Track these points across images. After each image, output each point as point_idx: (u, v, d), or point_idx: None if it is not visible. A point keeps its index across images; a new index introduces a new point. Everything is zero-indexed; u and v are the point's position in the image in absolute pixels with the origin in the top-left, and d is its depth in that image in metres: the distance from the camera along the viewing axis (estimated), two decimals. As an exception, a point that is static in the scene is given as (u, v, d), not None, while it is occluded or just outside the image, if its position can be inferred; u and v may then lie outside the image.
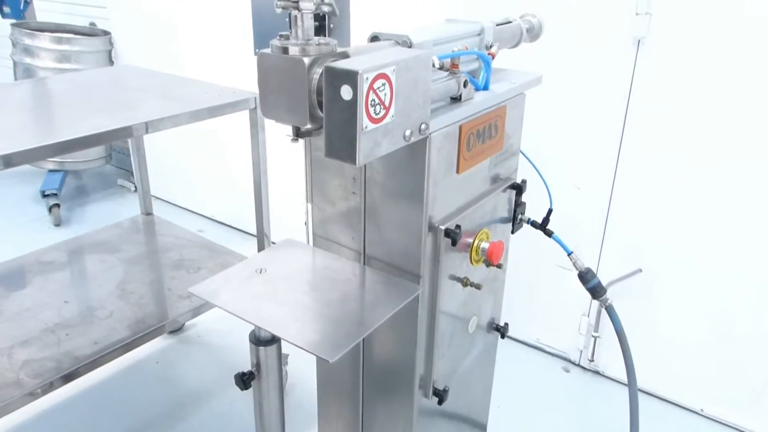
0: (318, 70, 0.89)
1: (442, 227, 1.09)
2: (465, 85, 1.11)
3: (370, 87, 0.83)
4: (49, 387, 1.58)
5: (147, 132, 1.59)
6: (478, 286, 1.22)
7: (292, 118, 0.91)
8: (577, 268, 1.38)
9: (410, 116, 0.94)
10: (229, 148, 3.17)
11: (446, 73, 1.09)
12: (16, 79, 3.48)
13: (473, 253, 1.22)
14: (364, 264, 1.19)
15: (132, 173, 3.81)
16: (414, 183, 1.05)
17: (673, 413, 2.27)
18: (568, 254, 1.38)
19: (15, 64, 3.45)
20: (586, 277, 1.36)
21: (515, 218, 1.39)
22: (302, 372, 2.31)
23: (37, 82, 2.05)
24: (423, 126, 0.97)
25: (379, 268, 1.17)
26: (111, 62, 3.58)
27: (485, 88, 1.20)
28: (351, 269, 1.17)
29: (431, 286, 1.14)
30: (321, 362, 1.40)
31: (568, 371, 2.50)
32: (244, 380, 1.18)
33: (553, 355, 2.55)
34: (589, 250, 2.28)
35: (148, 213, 2.40)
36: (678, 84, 1.95)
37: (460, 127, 1.08)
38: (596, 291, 1.36)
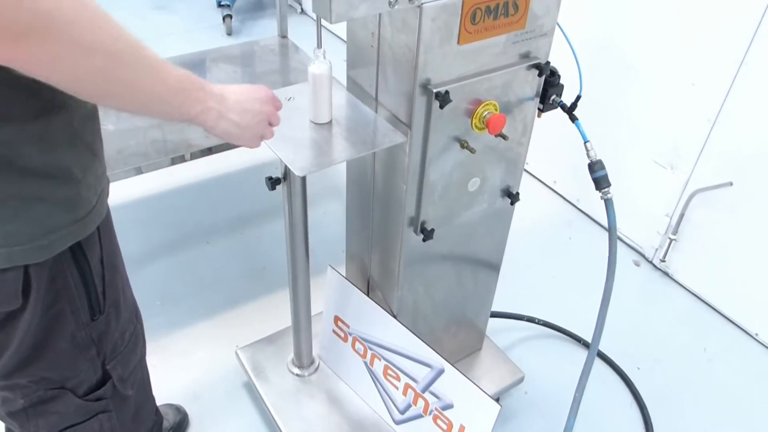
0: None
1: (434, 90, 1.23)
2: (484, -41, 1.17)
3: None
4: (163, 164, 2.01)
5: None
6: (472, 150, 1.35)
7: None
8: (588, 158, 1.44)
9: (396, -18, 1.06)
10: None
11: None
12: None
13: (475, 120, 1.34)
14: (376, 110, 1.38)
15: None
16: (409, 46, 1.19)
17: (728, 331, 2.28)
18: (585, 142, 1.44)
19: None
20: (594, 167, 1.43)
21: (545, 99, 1.45)
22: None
23: None
24: (413, -6, 1.09)
25: (384, 116, 1.35)
26: None
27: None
28: (365, 113, 1.36)
29: (423, 140, 1.31)
30: (349, 189, 1.66)
31: (638, 265, 2.54)
32: (272, 183, 1.46)
33: (628, 245, 2.59)
34: (689, 152, 2.21)
35: (283, 36, 2.69)
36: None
37: (464, 1, 1.17)
38: (599, 182, 1.43)
